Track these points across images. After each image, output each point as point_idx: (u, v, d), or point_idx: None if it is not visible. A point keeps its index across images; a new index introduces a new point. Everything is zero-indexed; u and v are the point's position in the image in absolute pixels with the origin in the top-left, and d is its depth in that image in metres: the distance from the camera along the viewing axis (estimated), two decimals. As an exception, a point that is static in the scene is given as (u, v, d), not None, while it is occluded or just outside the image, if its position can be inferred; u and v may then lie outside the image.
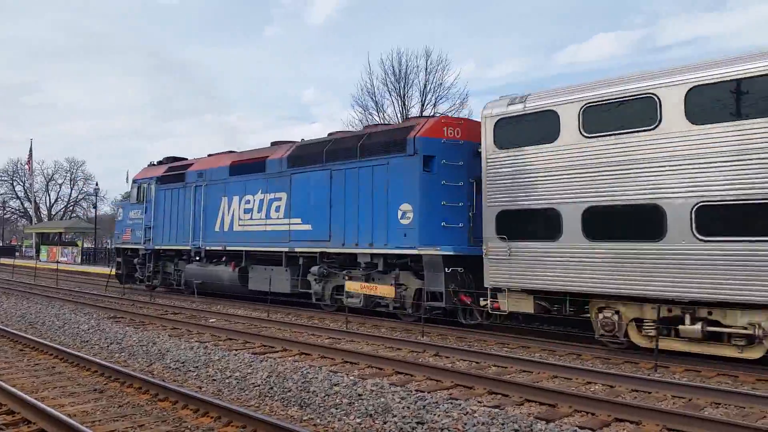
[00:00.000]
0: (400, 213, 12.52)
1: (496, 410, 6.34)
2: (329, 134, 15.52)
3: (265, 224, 15.75)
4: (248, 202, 16.35)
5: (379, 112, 30.56)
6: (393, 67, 30.44)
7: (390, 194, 12.72)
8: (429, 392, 7.15)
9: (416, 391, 7.17)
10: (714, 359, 8.82)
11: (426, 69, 30.05)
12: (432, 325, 12.08)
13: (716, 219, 8.50)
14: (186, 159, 20.39)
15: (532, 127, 10.47)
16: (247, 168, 16.56)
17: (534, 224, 10.38)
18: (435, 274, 11.87)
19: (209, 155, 19.17)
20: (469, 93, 67.41)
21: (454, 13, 79.13)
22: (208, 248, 17.55)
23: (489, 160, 11.00)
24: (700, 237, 8.54)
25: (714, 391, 7.10)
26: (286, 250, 15.08)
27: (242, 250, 16.39)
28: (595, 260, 9.56)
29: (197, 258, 18.05)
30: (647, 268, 9.00)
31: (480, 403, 6.76)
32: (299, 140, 16.20)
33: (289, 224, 15.05)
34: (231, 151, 18.61)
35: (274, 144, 17.08)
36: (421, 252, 12.06)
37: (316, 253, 14.37)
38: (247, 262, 16.45)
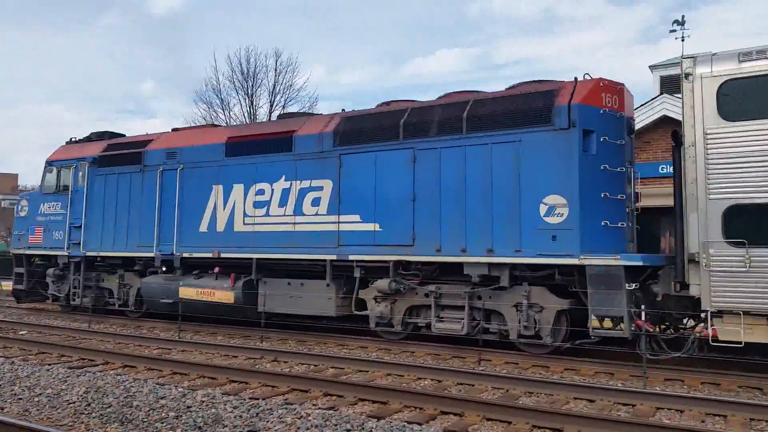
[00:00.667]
0: (544, 208, 9.11)
1: (330, 411, 6.38)
2: (382, 104, 11.64)
3: (294, 222, 11.43)
4: (261, 192, 11.89)
5: (224, 110, 29.23)
6: (241, 65, 29.16)
7: (524, 182, 9.27)
8: (264, 399, 6.96)
9: (250, 398, 6.96)
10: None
11: (276, 69, 29.26)
12: (593, 362, 8.88)
13: None
14: (131, 136, 15.12)
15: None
16: (260, 146, 12.07)
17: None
18: (609, 292, 8.62)
19: (175, 129, 14.23)
20: (319, 97, 66.13)
21: (307, 16, 76.98)
22: (187, 255, 12.72)
23: (710, 137, 8.04)
24: None
25: (528, 381, 7.67)
26: (334, 257, 10.95)
27: (251, 258, 11.89)
28: None
29: (163, 269, 13.09)
30: None
31: (315, 405, 6.75)
32: (340, 111, 12.06)
33: (338, 222, 10.94)
34: (213, 125, 13.86)
35: (282, 117, 12.78)
36: (586, 262, 8.77)
37: (387, 262, 10.44)
38: (256, 275, 12.00)
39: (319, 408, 6.56)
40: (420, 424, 6.04)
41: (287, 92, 29.36)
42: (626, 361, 8.85)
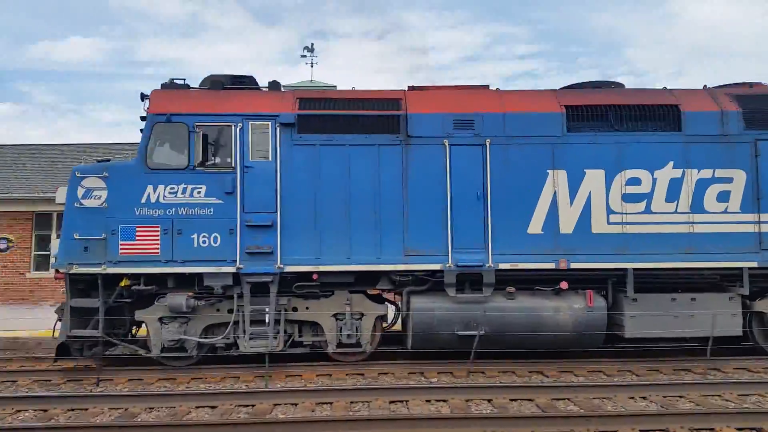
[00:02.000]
0: None
1: None
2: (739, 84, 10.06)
3: (691, 221, 9.07)
4: (635, 181, 9.11)
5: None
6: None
7: None
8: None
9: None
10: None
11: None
12: None
13: None
14: (344, 90, 10.14)
15: None
16: (623, 119, 9.22)
17: None
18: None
19: (413, 88, 9.86)
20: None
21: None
22: (508, 266, 8.93)
23: None
24: None
25: (148, 397, 7.40)
26: (755, 264, 9.03)
27: (624, 268, 8.99)
28: None
29: (448, 286, 8.97)
30: None
31: None
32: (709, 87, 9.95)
33: (759, 222, 9.09)
34: (494, 89, 9.99)
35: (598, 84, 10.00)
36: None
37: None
38: (616, 291, 9.15)
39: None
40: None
41: None
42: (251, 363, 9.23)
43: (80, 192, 8.90)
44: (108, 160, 9.62)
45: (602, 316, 9.01)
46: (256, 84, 9.95)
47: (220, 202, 8.89)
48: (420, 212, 8.99)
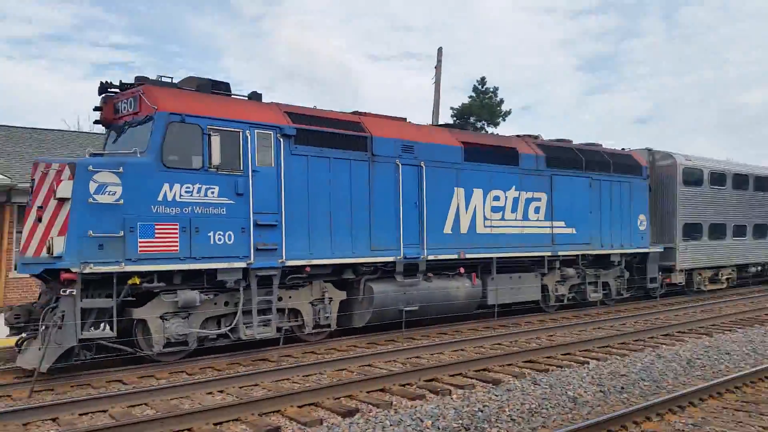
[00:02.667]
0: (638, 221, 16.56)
1: None
2: (557, 140, 15.49)
3: (522, 226, 13.79)
4: (497, 198, 13.34)
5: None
6: None
7: (633, 206, 16.40)
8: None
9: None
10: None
11: None
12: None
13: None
14: (325, 110, 11.38)
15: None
16: (491, 156, 13.30)
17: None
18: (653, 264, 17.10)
19: (362, 113, 12.01)
20: None
21: None
22: (433, 257, 12.13)
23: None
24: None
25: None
26: (549, 254, 14.31)
27: (490, 257, 13.16)
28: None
29: (397, 273, 11.74)
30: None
31: None
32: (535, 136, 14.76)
33: (552, 227, 14.39)
34: (397, 117, 12.73)
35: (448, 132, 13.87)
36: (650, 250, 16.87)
37: (575, 255, 14.97)
38: (484, 272, 13.30)
39: None
40: None
41: None
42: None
43: (92, 187, 8.48)
44: (102, 154, 9.12)
45: (479, 290, 13.03)
46: (230, 91, 10.67)
47: (232, 202, 9.67)
48: (381, 216, 11.44)
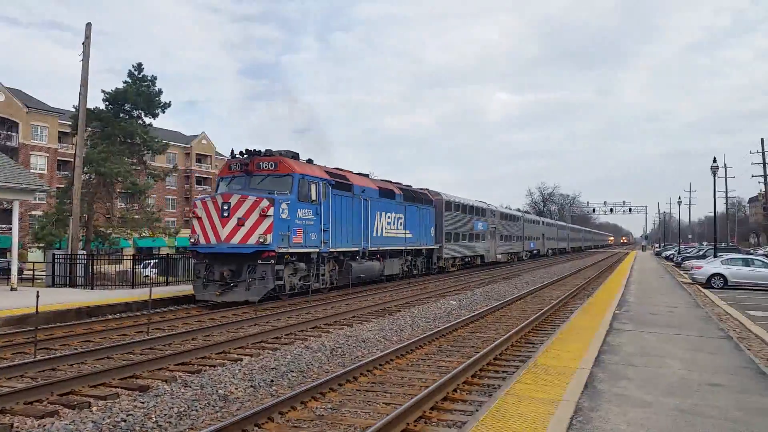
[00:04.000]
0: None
1: None
2: (404, 185, 27.29)
3: (395, 233, 25.51)
4: (389, 217, 24.81)
5: None
6: None
7: (428, 222, 29.47)
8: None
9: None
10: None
11: None
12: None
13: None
14: (335, 168, 22.17)
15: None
16: (386, 194, 24.71)
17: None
18: (436, 255, 30.62)
19: (351, 172, 22.39)
20: None
21: None
22: (369, 249, 23.00)
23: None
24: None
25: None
26: (403, 247, 26.35)
27: (386, 249, 24.58)
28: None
29: (358, 257, 22.34)
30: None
31: None
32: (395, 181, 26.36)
33: (405, 234, 26.43)
34: (362, 174, 23.50)
35: (384, 181, 25.27)
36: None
37: (411, 249, 27.31)
38: (383, 257, 24.64)
39: None
40: None
41: None
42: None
43: (280, 210, 17.42)
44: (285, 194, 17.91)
45: (382, 267, 24.30)
46: (312, 161, 20.07)
47: (315, 218, 19.23)
48: (356, 226, 21.92)
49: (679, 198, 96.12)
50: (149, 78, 35.10)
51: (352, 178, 22.53)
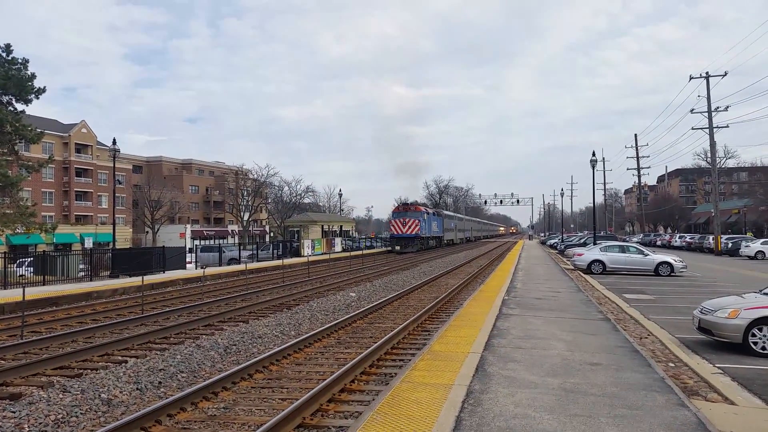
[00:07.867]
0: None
1: None
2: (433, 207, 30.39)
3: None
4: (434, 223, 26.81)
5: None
6: None
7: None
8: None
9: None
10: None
11: None
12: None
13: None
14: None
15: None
16: (435, 213, 31.18)
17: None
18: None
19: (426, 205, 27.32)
20: None
21: None
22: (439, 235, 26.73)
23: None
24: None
25: None
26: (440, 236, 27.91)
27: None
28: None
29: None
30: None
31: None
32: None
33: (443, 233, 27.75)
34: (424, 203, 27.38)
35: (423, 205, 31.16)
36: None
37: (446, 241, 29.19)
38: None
39: None
40: None
41: None
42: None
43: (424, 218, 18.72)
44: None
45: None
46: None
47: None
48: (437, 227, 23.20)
49: (562, 190, 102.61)
50: (20, 60, 31.12)
51: (426, 209, 42.54)
